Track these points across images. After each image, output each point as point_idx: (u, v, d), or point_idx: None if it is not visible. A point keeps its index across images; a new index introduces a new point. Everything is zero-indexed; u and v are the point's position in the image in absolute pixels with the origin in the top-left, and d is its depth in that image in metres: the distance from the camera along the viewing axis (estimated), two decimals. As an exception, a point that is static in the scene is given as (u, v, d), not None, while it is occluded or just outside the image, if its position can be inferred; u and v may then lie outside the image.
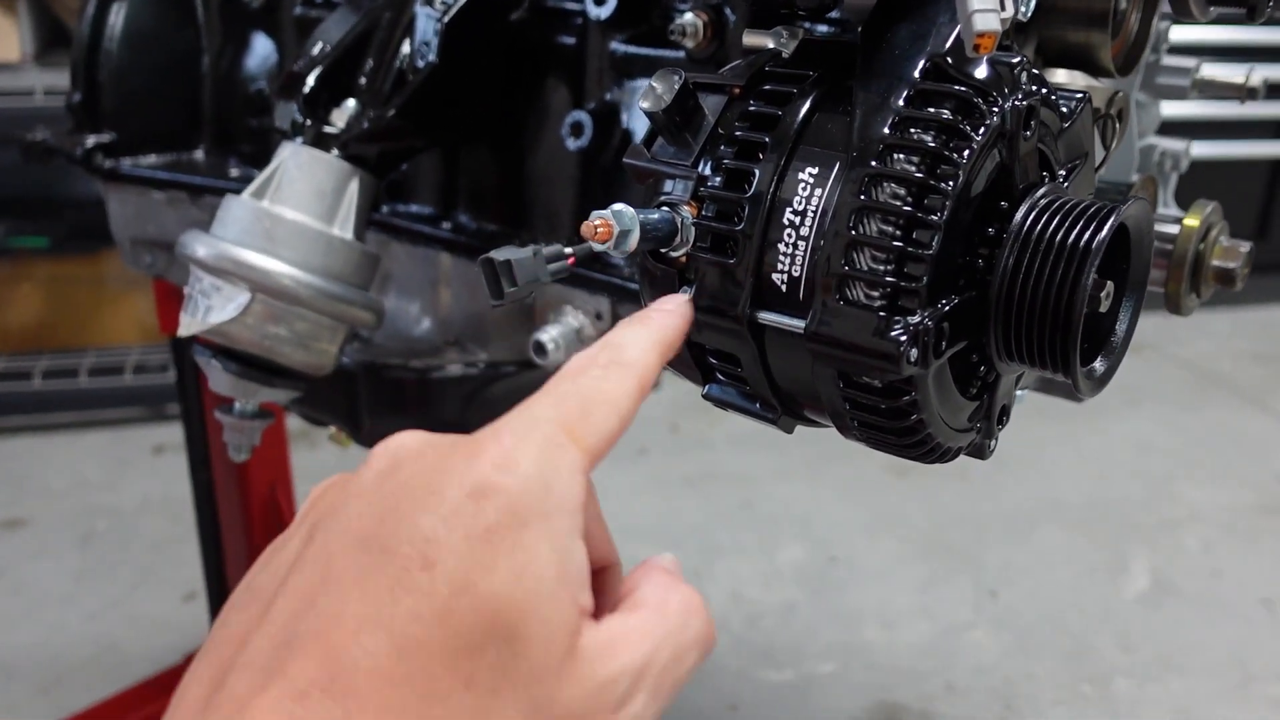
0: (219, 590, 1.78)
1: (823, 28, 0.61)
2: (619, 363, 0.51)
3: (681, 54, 0.88)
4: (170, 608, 2.30)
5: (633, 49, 0.93)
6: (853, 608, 2.43)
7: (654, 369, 0.52)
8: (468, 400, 1.07)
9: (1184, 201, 0.90)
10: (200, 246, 0.87)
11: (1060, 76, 0.74)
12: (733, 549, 2.61)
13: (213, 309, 0.87)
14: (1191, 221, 0.80)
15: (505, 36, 0.98)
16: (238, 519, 1.72)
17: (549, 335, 0.92)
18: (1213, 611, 2.46)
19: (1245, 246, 0.81)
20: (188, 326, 0.88)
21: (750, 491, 2.85)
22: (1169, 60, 0.92)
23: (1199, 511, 2.89)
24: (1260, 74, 0.90)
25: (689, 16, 0.84)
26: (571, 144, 0.95)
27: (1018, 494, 2.90)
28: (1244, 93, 0.90)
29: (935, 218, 0.51)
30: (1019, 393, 0.72)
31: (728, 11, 0.84)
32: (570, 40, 0.97)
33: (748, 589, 2.47)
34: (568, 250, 0.67)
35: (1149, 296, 0.69)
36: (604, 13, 0.92)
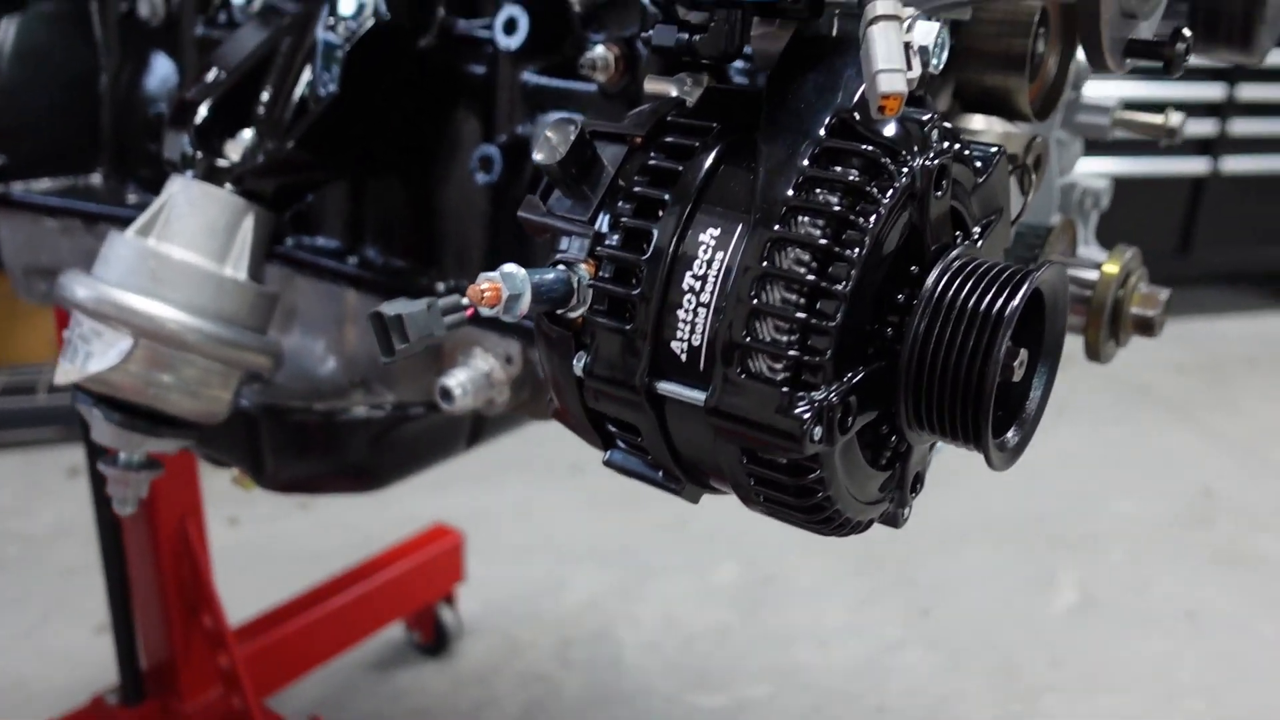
0: (126, 627, 1.71)
1: (730, 76, 0.58)
2: None
3: (594, 87, 0.85)
4: (81, 641, 2.21)
5: (544, 80, 0.89)
6: (786, 628, 2.41)
7: None
8: (375, 442, 1.02)
9: (1107, 227, 0.89)
10: (79, 289, 0.82)
11: (978, 122, 0.72)
12: (665, 569, 2.58)
13: (93, 355, 0.82)
14: (1111, 268, 0.78)
15: (412, 64, 0.93)
16: (146, 554, 1.64)
17: (456, 380, 0.88)
18: (1138, 625, 2.49)
19: (1164, 294, 0.79)
20: (65, 374, 0.83)
21: (683, 509, 2.82)
22: (1089, 98, 0.91)
23: (1124, 525, 2.93)
24: (1178, 116, 0.89)
25: (600, 50, 0.81)
26: (481, 178, 0.91)
27: (948, 510, 2.91)
28: (1163, 132, 0.89)
29: (840, 287, 0.48)
30: (939, 446, 0.70)
31: (640, 46, 0.81)
32: (480, 70, 0.93)
33: (680, 610, 2.44)
34: (465, 301, 0.63)
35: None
36: (514, 43, 0.88)
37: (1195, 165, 4.25)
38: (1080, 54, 0.75)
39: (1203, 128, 4.20)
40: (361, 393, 1.00)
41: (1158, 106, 0.94)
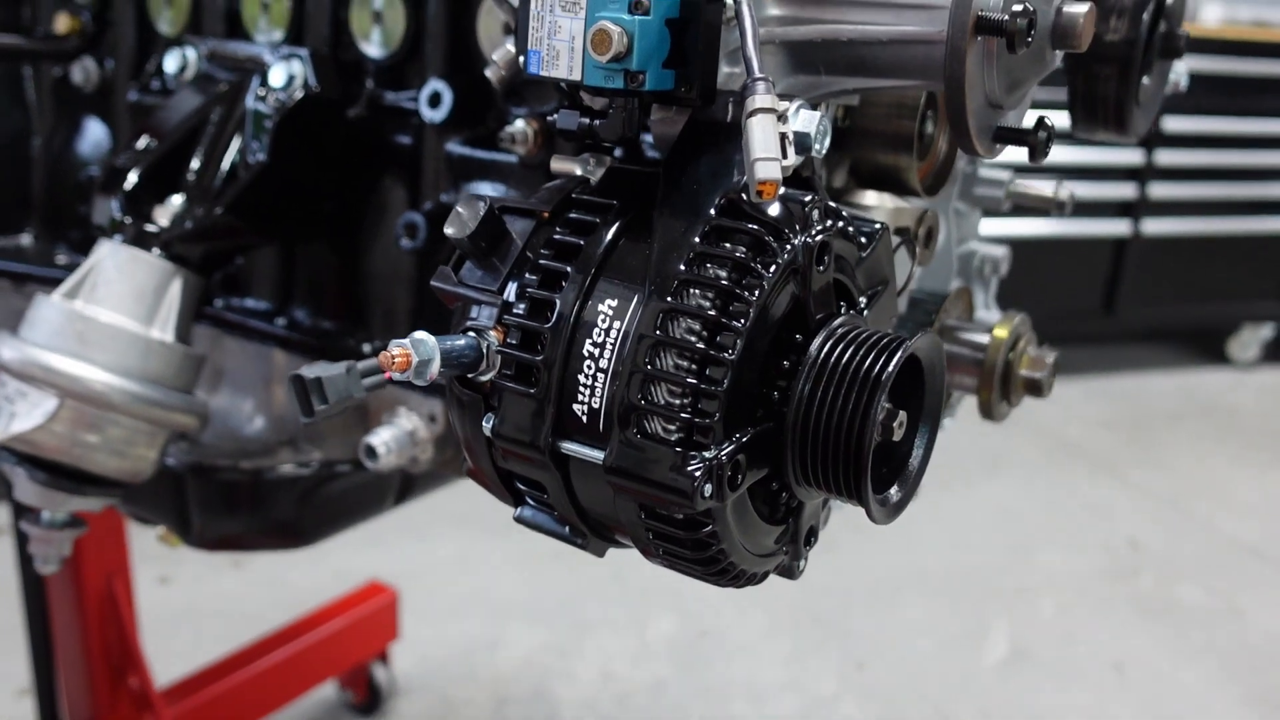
0: (49, 689, 1.68)
1: (630, 155, 0.62)
2: None
3: (514, 159, 0.89)
4: (1, 704, 2.16)
5: (468, 151, 0.93)
6: (722, 683, 2.42)
7: None
8: (302, 500, 1.03)
9: (1034, 287, 0.94)
10: (5, 349, 0.83)
11: (870, 198, 0.77)
12: (603, 623, 2.59)
13: (17, 416, 0.83)
14: (1000, 333, 0.83)
15: (340, 134, 0.97)
16: (71, 615, 1.62)
17: (380, 439, 0.90)
18: (1067, 677, 2.54)
19: (1051, 356, 0.84)
20: (-12, 435, 0.84)
21: (620, 564, 2.83)
22: (985, 172, 0.97)
23: (1054, 577, 2.99)
24: (1067, 190, 0.94)
25: (519, 124, 0.85)
26: (406, 244, 0.94)
27: (882, 563, 2.96)
28: (1053, 205, 0.95)
29: (727, 354, 0.52)
30: (836, 503, 0.74)
31: (549, 119, 0.85)
32: (407, 140, 0.96)
33: (617, 665, 2.44)
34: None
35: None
36: (439, 116, 0.92)
37: (1117, 227, 4.40)
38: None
39: (1124, 191, 4.36)
40: (289, 451, 1.02)
41: (1084, 171, 0.99)
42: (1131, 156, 4.30)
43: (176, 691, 1.80)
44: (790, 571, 0.63)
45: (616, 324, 0.55)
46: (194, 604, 2.55)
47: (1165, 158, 4.34)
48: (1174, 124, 4.30)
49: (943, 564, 2.99)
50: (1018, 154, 0.65)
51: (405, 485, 1.12)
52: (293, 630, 1.99)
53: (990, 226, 1.03)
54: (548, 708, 2.28)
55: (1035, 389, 0.84)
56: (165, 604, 2.48)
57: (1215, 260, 4.64)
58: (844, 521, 0.63)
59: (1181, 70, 0.94)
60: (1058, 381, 0.88)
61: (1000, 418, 0.85)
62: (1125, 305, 4.49)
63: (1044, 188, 0.96)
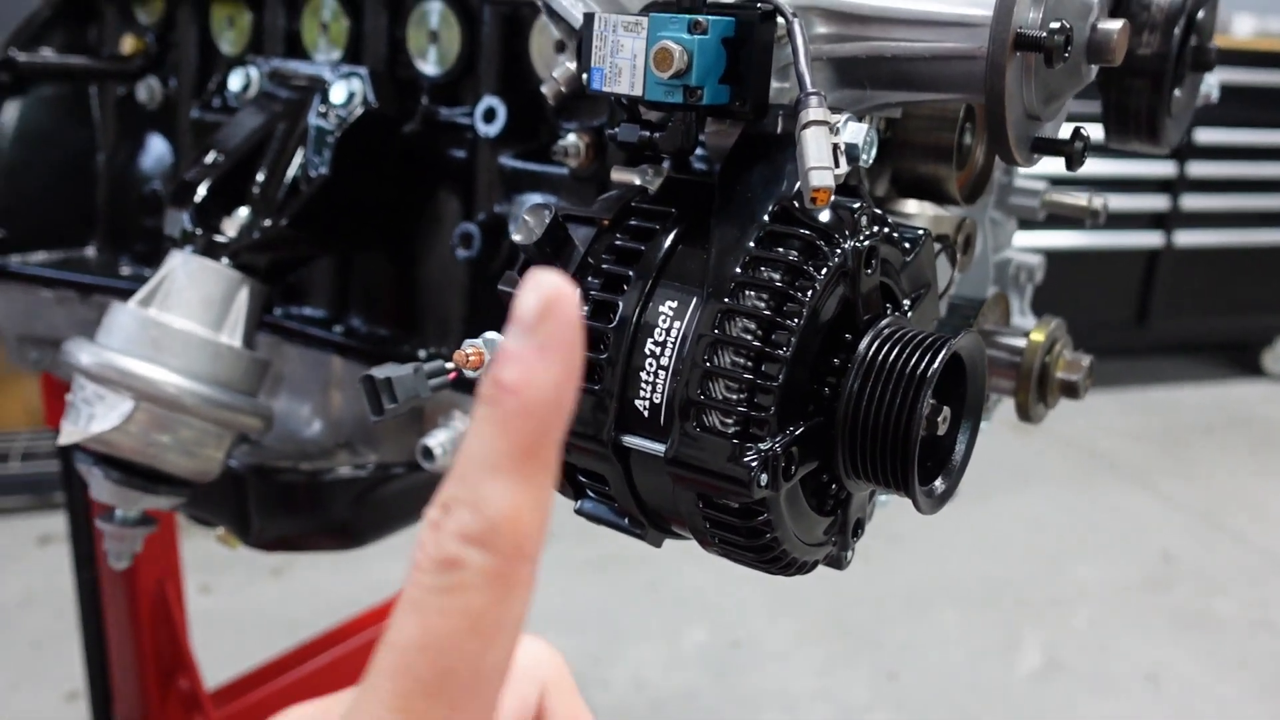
0: (103, 691, 1.72)
1: (687, 167, 0.66)
2: (490, 572, 0.32)
3: (566, 171, 0.92)
4: (51, 707, 2.21)
5: (521, 164, 0.97)
6: (755, 692, 2.44)
7: (542, 530, 0.33)
8: (358, 501, 1.07)
9: (1067, 299, 0.96)
10: (84, 355, 0.88)
11: (911, 206, 0.80)
12: (636, 633, 2.61)
13: (95, 417, 0.87)
14: (1037, 336, 0.86)
15: (398, 149, 1.01)
16: (124, 617, 1.67)
17: (436, 440, 0.94)
18: (1101, 688, 2.54)
19: (1086, 360, 0.87)
20: (69, 435, 0.88)
21: (655, 574, 2.86)
22: (1020, 182, 0.99)
23: (1087, 589, 2.99)
24: (1100, 200, 0.97)
25: (571, 138, 0.88)
26: (461, 254, 0.98)
27: (914, 574, 2.97)
28: (1087, 214, 0.98)
29: (782, 352, 0.55)
30: (882, 498, 0.77)
31: (608, 135, 0.89)
32: (461, 154, 1.01)
33: (650, 673, 2.47)
34: (449, 366, 0.69)
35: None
36: (493, 131, 0.96)
37: (1150, 239, 4.40)
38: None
39: (1156, 203, 4.36)
40: (346, 454, 1.06)
41: (1117, 183, 1.02)
42: (1164, 168, 4.30)
43: (224, 694, 1.84)
44: (838, 561, 0.66)
45: (676, 324, 0.58)
46: (235, 612, 2.60)
47: (1198, 169, 4.35)
48: (1206, 135, 4.30)
49: (975, 575, 3.00)
50: (1053, 165, 0.68)
51: (455, 488, 1.16)
52: (337, 634, 2.03)
53: (1023, 239, 1.05)
54: (583, 714, 2.31)
55: (1071, 391, 0.86)
56: (207, 612, 2.53)
57: (1249, 272, 4.62)
58: (876, 532, 0.66)
59: (1213, 83, 0.97)
60: (1090, 394, 0.90)
61: (1037, 419, 0.87)
62: (1158, 317, 4.48)
63: (1078, 197, 0.99)
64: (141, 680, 1.69)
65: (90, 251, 1.30)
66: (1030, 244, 1.07)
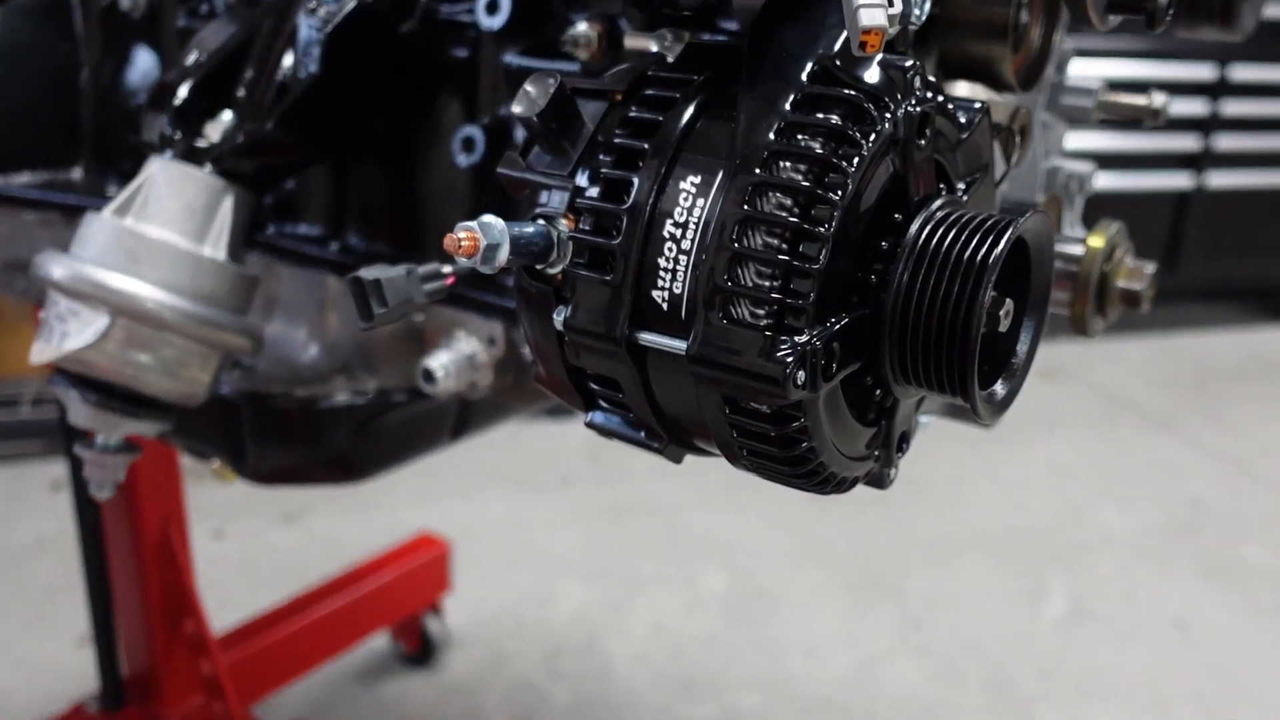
0: (107, 634, 1.68)
1: (710, 31, 0.58)
2: None
3: (576, 66, 0.84)
4: (62, 653, 2.18)
5: (527, 61, 0.89)
6: (776, 638, 2.39)
7: None
8: (357, 431, 1.01)
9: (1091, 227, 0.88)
10: (55, 267, 0.81)
11: (962, 89, 0.72)
12: (655, 579, 2.56)
13: (69, 335, 0.81)
14: (1096, 242, 0.78)
15: (393, 47, 0.93)
16: (128, 559, 1.62)
17: (439, 362, 0.87)
18: (1127, 635, 2.48)
19: (1150, 267, 0.79)
20: (41, 353, 0.81)
21: (672, 521, 2.81)
22: (1073, 80, 0.91)
23: (1113, 535, 2.92)
24: (1162, 97, 0.88)
25: (582, 27, 0.80)
26: (464, 160, 0.90)
27: (938, 521, 2.90)
28: (1147, 114, 0.89)
29: (823, 229, 0.48)
30: (923, 419, 0.69)
31: (622, 23, 0.81)
32: (463, 53, 0.93)
33: (670, 620, 2.42)
34: (446, 269, 0.62)
35: (1060, 322, 0.67)
36: (496, 23, 0.88)
37: (1180, 180, 4.27)
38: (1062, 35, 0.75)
39: (1187, 143, 4.23)
40: (344, 379, 0.99)
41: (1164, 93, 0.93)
42: (1196, 107, 4.16)
43: (232, 638, 1.80)
44: (880, 480, 0.59)
45: (700, 202, 0.51)
46: (248, 557, 2.56)
47: (1231, 108, 4.20)
48: (1241, 73, 4.15)
49: (1000, 523, 2.93)
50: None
51: (461, 417, 1.09)
52: (347, 579, 1.99)
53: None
54: (600, 660, 2.26)
55: (1133, 301, 0.78)
56: (220, 558, 2.49)
57: (1283, 214, 4.49)
58: (900, 478, 0.58)
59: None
60: (1118, 340, 0.82)
61: (1094, 333, 0.80)
62: (1188, 261, 4.36)
63: (1135, 97, 0.90)
64: (147, 624, 1.65)
65: (76, 172, 1.23)
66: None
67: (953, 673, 2.31)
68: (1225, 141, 4.27)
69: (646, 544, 2.71)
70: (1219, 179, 4.30)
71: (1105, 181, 4.05)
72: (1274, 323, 4.65)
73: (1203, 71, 4.13)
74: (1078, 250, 0.79)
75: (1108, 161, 4.02)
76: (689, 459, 0.60)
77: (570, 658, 2.26)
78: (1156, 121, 0.90)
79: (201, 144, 0.87)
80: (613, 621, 2.39)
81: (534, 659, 2.25)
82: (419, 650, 2.15)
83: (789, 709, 2.17)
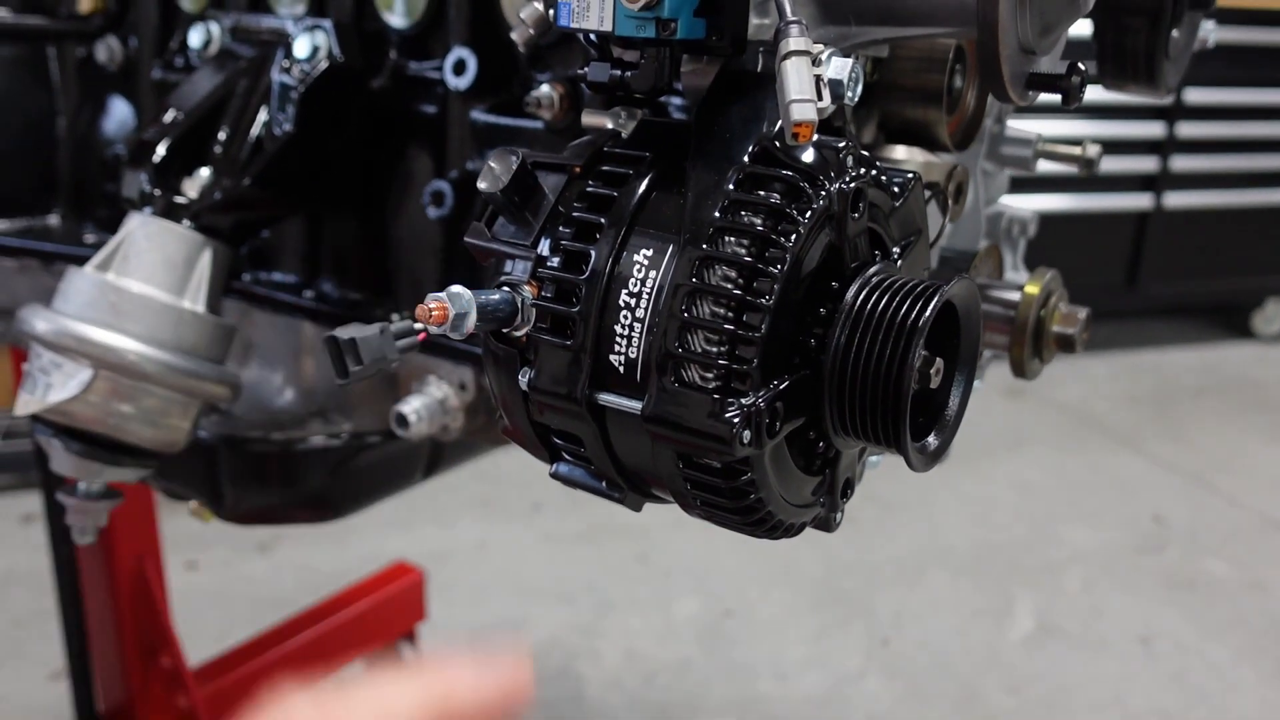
0: (82, 669, 1.70)
1: (662, 108, 0.62)
2: None
3: (540, 125, 0.88)
4: (34, 687, 2.18)
5: (493, 119, 0.93)
6: (747, 661, 2.43)
7: None
8: (333, 471, 1.04)
9: (1055, 262, 0.93)
10: (39, 322, 0.84)
11: (900, 153, 0.76)
12: (628, 604, 2.59)
13: (53, 386, 0.83)
14: (1032, 289, 0.82)
15: (365, 105, 0.97)
16: (103, 594, 1.64)
17: (411, 407, 0.91)
18: (1094, 651, 2.53)
19: (1083, 312, 0.84)
20: (25, 405, 0.84)
21: (645, 545, 2.84)
22: (1012, 131, 0.96)
23: (1079, 552, 2.98)
24: (1095, 148, 0.94)
25: (545, 89, 0.84)
26: (433, 212, 0.94)
27: (906, 540, 2.95)
28: (1082, 162, 0.95)
29: (764, 300, 0.52)
30: (872, 459, 0.74)
31: (584, 86, 0.85)
32: (431, 109, 0.96)
33: (643, 645, 2.45)
34: (418, 326, 0.66)
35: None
36: (463, 84, 0.92)
37: (1139, 201, 4.37)
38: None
39: (1145, 165, 4.32)
40: (319, 422, 1.02)
41: (1105, 144, 0.99)
42: (1153, 129, 4.26)
43: (207, 671, 1.82)
44: (827, 524, 0.63)
45: (652, 273, 0.55)
46: (222, 588, 2.57)
47: (1187, 130, 4.30)
48: (1196, 95, 4.26)
49: (967, 541, 2.98)
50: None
51: (434, 457, 1.13)
52: (322, 610, 2.00)
53: (1011, 201, 1.02)
54: (573, 686, 2.29)
55: (1068, 345, 0.83)
56: (193, 588, 2.50)
57: (1239, 233, 4.59)
58: (867, 499, 0.63)
59: (1210, 26, 0.93)
60: (1080, 357, 0.87)
61: (1033, 375, 0.84)
62: (1148, 280, 4.46)
63: (1071, 146, 0.95)
64: (122, 658, 1.66)
65: (53, 219, 1.25)
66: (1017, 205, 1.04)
67: (922, 690, 2.35)
68: (1181, 163, 4.37)
69: (618, 569, 2.74)
70: (1176, 199, 4.40)
71: (1066, 203, 4.14)
72: (1232, 339, 4.75)
73: (1158, 95, 4.22)
74: (1015, 297, 0.83)
75: (1069, 184, 4.11)
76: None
77: (544, 685, 2.29)
78: (1090, 171, 0.95)
79: (180, 200, 0.90)
80: (586, 646, 2.42)
81: (509, 685, 2.27)
82: (394, 679, 2.17)
83: (761, 730, 2.21)
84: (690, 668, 2.39)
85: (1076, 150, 0.94)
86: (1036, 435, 3.68)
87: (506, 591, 2.59)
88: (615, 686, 2.31)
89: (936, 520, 3.08)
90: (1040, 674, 2.44)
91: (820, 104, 0.51)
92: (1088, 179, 4.17)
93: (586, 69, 0.61)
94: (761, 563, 2.80)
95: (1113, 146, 4.23)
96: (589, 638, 2.45)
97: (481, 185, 0.58)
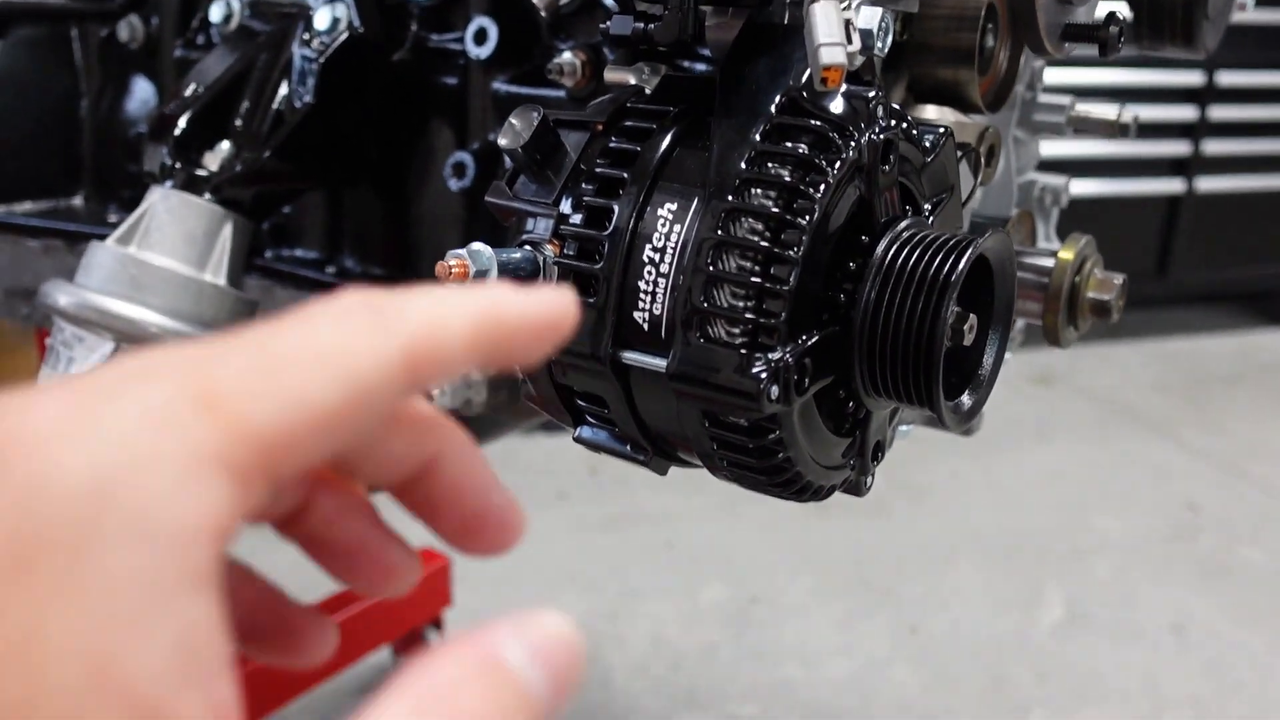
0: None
1: (685, 63, 0.61)
2: (382, 321, 0.30)
3: (562, 93, 0.87)
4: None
5: (515, 88, 0.92)
6: (773, 647, 2.41)
7: (444, 359, 0.31)
8: (356, 449, 1.03)
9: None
10: (61, 295, 0.83)
11: (930, 113, 0.74)
12: (654, 591, 2.58)
13: (75, 360, 0.83)
14: (1066, 255, 0.81)
15: (386, 77, 0.96)
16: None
17: (433, 380, 0.90)
18: (1125, 639, 2.50)
19: (1119, 279, 0.82)
20: (48, 380, 0.84)
21: (670, 532, 2.83)
22: (1045, 97, 0.94)
23: (1110, 540, 2.94)
24: (1131, 112, 0.91)
25: (567, 56, 0.83)
26: (455, 184, 0.93)
27: (934, 527, 2.93)
28: (1116, 129, 0.92)
29: (792, 252, 0.50)
30: (902, 428, 0.72)
31: (607, 51, 0.84)
32: (452, 80, 0.96)
33: (669, 631, 2.44)
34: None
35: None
36: (484, 53, 0.91)
37: (1170, 185, 4.31)
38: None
39: (1176, 148, 4.26)
40: (341, 399, 1.01)
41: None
42: (1185, 113, 4.20)
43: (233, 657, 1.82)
44: (857, 487, 0.61)
45: (676, 228, 0.54)
46: (249, 575, 2.58)
47: (1219, 113, 4.24)
48: (1228, 78, 4.19)
49: (996, 528, 2.95)
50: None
51: (458, 435, 1.12)
52: (347, 595, 2.00)
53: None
54: (599, 671, 2.28)
55: (1103, 311, 0.81)
56: (221, 575, 2.51)
57: (1273, 218, 4.52)
58: (895, 485, 0.61)
59: (1249, -13, 0.91)
60: (1111, 345, 0.85)
61: (1066, 343, 0.82)
62: (1179, 266, 4.39)
63: (1106, 111, 0.93)
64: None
65: (77, 200, 1.26)
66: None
67: (950, 678, 2.33)
68: (1214, 146, 4.30)
69: (644, 555, 2.73)
70: (1208, 183, 4.33)
71: (1096, 187, 4.09)
72: (1266, 326, 4.68)
73: (1191, 77, 4.16)
74: (1049, 263, 0.81)
75: (1097, 168, 4.06)
76: (681, 473, 0.63)
77: (570, 670, 2.28)
78: (1126, 136, 0.93)
79: (201, 174, 0.89)
80: (611, 632, 2.42)
81: (535, 671, 2.26)
82: (420, 664, 2.17)
83: (787, 716, 2.19)
84: (716, 654, 2.38)
85: (1111, 115, 0.92)
86: (1067, 423, 3.64)
87: (532, 579, 2.58)
88: (642, 672, 2.30)
89: (965, 508, 3.05)
90: (1070, 662, 2.41)
91: (850, 47, 0.49)
92: (1117, 164, 4.12)
93: (609, 23, 0.59)
94: (788, 549, 2.78)
95: (1143, 130, 4.16)
96: (615, 624, 2.45)
97: (502, 142, 0.57)
